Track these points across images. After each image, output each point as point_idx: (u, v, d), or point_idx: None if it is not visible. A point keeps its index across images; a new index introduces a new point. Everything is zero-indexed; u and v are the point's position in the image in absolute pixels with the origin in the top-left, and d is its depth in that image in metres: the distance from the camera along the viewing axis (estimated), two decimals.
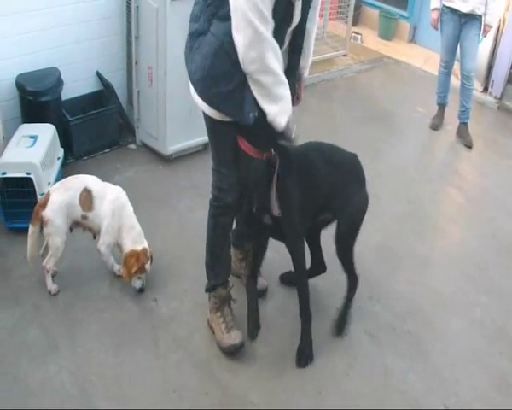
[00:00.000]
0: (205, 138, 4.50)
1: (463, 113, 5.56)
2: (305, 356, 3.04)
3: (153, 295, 3.33)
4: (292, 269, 3.11)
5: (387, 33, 8.09)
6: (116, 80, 4.70)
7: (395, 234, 4.10)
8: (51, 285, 3.27)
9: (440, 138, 5.66)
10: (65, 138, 4.23)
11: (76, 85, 4.48)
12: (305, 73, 3.03)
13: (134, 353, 3.01)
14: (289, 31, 2.63)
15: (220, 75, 2.56)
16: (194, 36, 2.63)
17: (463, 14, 5.22)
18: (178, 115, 4.36)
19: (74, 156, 4.43)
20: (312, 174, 2.97)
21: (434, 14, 5.46)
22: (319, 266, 3.43)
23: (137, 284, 3.31)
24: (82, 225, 3.36)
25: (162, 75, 4.25)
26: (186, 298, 3.36)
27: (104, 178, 4.19)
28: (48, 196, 3.21)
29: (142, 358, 2.98)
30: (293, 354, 3.06)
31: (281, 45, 2.56)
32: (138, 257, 3.23)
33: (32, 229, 3.19)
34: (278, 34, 2.51)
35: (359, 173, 3.18)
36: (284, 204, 2.80)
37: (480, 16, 5.20)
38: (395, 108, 6.08)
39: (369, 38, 7.91)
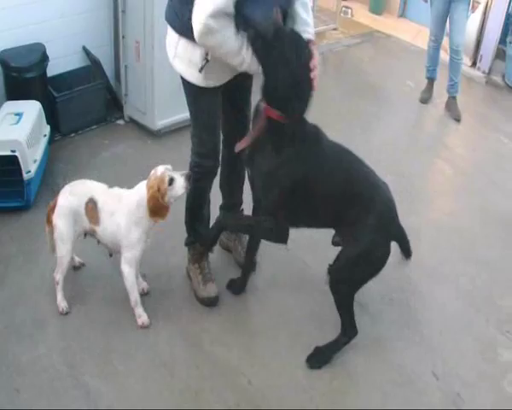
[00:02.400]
0: None
1: (452, 87, 5.55)
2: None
3: (141, 270, 3.32)
4: None
5: (378, 7, 8.01)
6: (103, 55, 4.63)
7: None
8: (60, 301, 3.03)
9: (429, 112, 5.66)
10: (51, 115, 4.18)
11: (62, 61, 4.42)
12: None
13: (123, 329, 3.00)
14: None
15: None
16: None
17: None
18: (167, 90, 4.30)
19: (61, 134, 4.39)
20: (326, 178, 2.69)
21: None
22: None
23: (178, 189, 2.78)
24: (95, 238, 3.04)
25: (150, 49, 4.20)
26: (175, 273, 3.35)
27: (92, 155, 4.23)
28: (56, 200, 2.97)
29: (131, 334, 2.98)
30: (286, 327, 3.09)
31: None
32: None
33: (47, 229, 3.03)
34: None
35: (384, 208, 2.75)
36: (272, 177, 2.67)
37: None
38: (385, 81, 6.06)
39: (359, 12, 7.84)
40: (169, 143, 4.46)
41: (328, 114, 4.95)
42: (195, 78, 2.73)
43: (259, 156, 2.71)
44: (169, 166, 2.83)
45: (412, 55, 6.70)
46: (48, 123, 4.08)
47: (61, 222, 2.92)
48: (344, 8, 7.63)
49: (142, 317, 3.01)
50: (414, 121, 5.59)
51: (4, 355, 2.83)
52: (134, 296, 2.98)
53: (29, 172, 3.62)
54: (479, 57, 6.48)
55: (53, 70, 4.30)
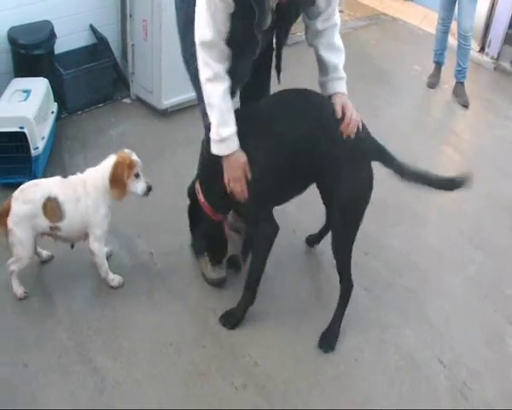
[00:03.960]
0: None
1: (460, 72, 5.52)
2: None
3: (148, 248, 3.33)
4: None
5: None
6: (110, 34, 4.63)
7: (392, 191, 4.06)
8: (17, 288, 2.98)
9: (437, 97, 5.63)
10: (58, 93, 4.17)
11: (69, 39, 4.40)
12: (338, 87, 2.72)
13: (130, 307, 3.01)
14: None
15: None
16: None
17: None
18: (174, 69, 4.26)
19: (68, 111, 4.39)
20: (279, 138, 2.60)
21: None
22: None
23: (139, 187, 2.92)
24: (53, 236, 2.99)
25: (157, 28, 4.18)
26: (182, 251, 3.36)
27: (99, 133, 4.22)
28: (9, 203, 2.86)
29: (138, 312, 2.99)
30: (292, 310, 3.10)
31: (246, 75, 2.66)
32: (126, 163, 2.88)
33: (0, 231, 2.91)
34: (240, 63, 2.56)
35: (360, 141, 2.65)
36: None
37: None
38: (391, 65, 6.02)
39: None
40: (175, 123, 4.45)
41: None
42: None
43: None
44: (138, 161, 2.93)
45: (419, 39, 6.66)
46: (55, 100, 4.07)
47: (17, 228, 2.84)
48: None
49: (115, 279, 3.08)
50: (421, 106, 5.56)
51: (12, 330, 2.84)
52: (104, 267, 3.03)
53: (37, 148, 3.61)
54: (487, 42, 6.44)
55: (60, 48, 4.28)
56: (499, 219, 4.00)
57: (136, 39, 4.46)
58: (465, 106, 5.43)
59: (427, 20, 6.95)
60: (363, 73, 5.73)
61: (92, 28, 4.56)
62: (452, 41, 5.71)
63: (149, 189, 2.94)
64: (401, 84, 5.73)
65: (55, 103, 4.07)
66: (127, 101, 4.67)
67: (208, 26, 2.39)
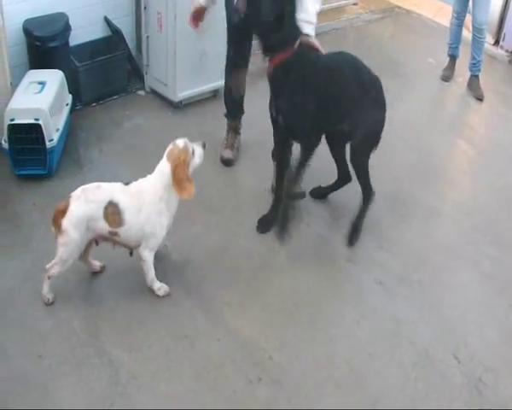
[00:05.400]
0: (214, 85, 4.50)
1: (474, 65, 5.47)
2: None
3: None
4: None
5: None
6: (124, 26, 4.63)
7: (406, 184, 4.08)
8: (46, 292, 2.92)
9: (451, 90, 5.58)
10: (73, 85, 4.18)
11: (84, 31, 4.41)
12: (306, 28, 3.13)
13: (145, 299, 3.02)
14: None
15: None
16: None
17: None
18: (188, 62, 4.31)
19: (83, 103, 4.40)
20: (334, 86, 3.17)
21: None
22: (345, 177, 3.67)
23: (197, 158, 2.93)
24: (112, 241, 2.96)
25: (172, 20, 4.18)
26: (197, 243, 3.37)
27: (113, 125, 4.23)
28: (67, 203, 2.78)
29: (153, 305, 3.00)
30: (306, 303, 3.11)
31: None
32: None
33: (53, 230, 2.83)
34: None
35: (379, 95, 3.37)
36: (298, 109, 3.14)
37: None
38: (406, 58, 5.97)
39: None
40: (189, 115, 4.45)
41: None
42: None
43: (282, 101, 3.18)
44: (186, 139, 2.89)
45: (434, 32, 6.60)
46: (69, 92, 4.07)
47: (73, 230, 2.76)
48: None
49: (161, 288, 3.03)
50: (435, 99, 5.53)
51: (27, 321, 2.86)
52: (151, 275, 2.99)
53: (52, 140, 3.63)
54: (502, 36, 6.37)
55: (75, 39, 4.29)
56: None
57: (151, 31, 4.46)
58: (480, 99, 5.38)
59: (441, 13, 6.88)
60: (378, 66, 5.56)
61: (107, 20, 4.56)
62: (467, 34, 5.66)
63: (204, 146, 2.99)
64: (415, 77, 5.69)
65: (70, 95, 4.08)
66: (141, 93, 4.67)
67: None
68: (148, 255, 2.93)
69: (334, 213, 3.69)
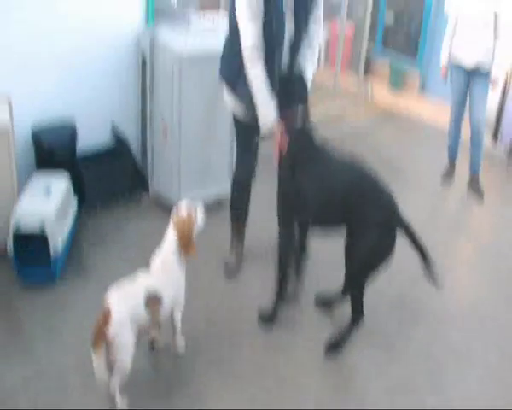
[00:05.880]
0: (218, 194, 4.58)
1: (474, 165, 5.58)
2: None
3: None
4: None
5: (397, 83, 8.17)
6: (130, 133, 4.74)
7: (410, 287, 4.07)
8: (121, 401, 2.82)
9: (452, 191, 5.66)
10: (79, 189, 4.23)
11: (90, 136, 4.51)
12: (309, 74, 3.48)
13: None
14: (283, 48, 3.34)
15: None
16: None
17: (470, 69, 5.30)
18: (192, 170, 4.40)
19: (88, 207, 4.42)
20: (329, 182, 3.16)
21: (443, 70, 5.56)
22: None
23: (199, 222, 3.12)
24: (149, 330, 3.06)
25: (177, 130, 4.27)
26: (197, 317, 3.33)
27: (118, 230, 4.28)
28: (107, 309, 2.68)
29: None
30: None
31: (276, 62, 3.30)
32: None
33: (96, 355, 2.65)
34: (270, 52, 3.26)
35: (387, 212, 3.14)
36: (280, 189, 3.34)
37: (488, 70, 5.26)
38: (407, 163, 6.10)
39: (379, 89, 7.98)
40: None
41: None
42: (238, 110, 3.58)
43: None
44: (188, 203, 3.12)
45: (433, 134, 6.78)
46: (75, 196, 4.14)
47: (122, 333, 2.69)
48: (364, 88, 7.75)
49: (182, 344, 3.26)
50: (437, 201, 5.58)
51: None
52: (179, 329, 3.17)
53: (57, 246, 3.64)
54: (500, 135, 6.54)
55: (82, 145, 4.38)
56: None
57: (156, 140, 4.56)
58: (480, 199, 5.45)
59: (440, 114, 7.08)
60: (378, 170, 5.65)
61: (113, 126, 4.68)
62: (466, 134, 5.79)
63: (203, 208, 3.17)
64: (416, 180, 5.78)
65: (75, 199, 4.14)
66: (146, 199, 4.72)
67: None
68: (179, 316, 3.11)
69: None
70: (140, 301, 2.80)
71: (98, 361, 2.65)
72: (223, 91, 3.63)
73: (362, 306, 3.27)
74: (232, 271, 3.99)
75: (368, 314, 3.34)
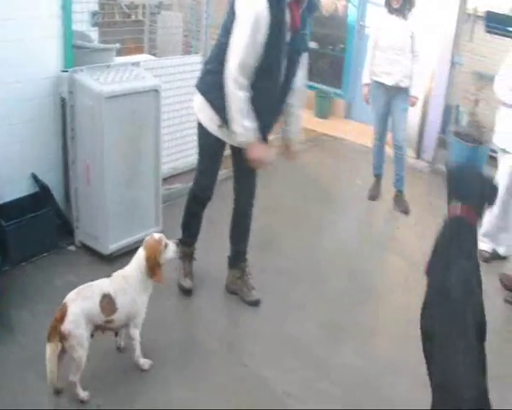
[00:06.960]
0: (146, 233, 4.47)
1: (398, 181, 5.74)
2: None
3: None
4: None
5: (324, 112, 8.36)
6: (52, 180, 4.60)
7: (340, 308, 4.12)
8: (83, 394, 3.11)
9: (379, 208, 5.80)
10: (1, 245, 4.08)
11: (10, 188, 4.36)
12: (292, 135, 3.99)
13: None
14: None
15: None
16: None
17: (390, 87, 5.47)
18: (118, 213, 4.32)
19: (12, 263, 4.24)
20: None
21: (365, 89, 5.71)
22: None
23: (171, 252, 3.32)
24: (104, 329, 3.26)
25: (100, 172, 4.20)
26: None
27: (44, 284, 4.13)
28: (65, 308, 3.02)
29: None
30: None
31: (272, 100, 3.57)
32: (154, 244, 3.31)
33: (50, 348, 2.98)
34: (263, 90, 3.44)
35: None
36: None
37: (407, 88, 5.44)
38: (334, 183, 6.24)
39: (306, 117, 8.04)
40: (123, 266, 4.34)
41: (282, 222, 5.05)
42: (213, 130, 3.67)
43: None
44: (162, 235, 3.35)
45: (359, 155, 6.94)
46: None
47: (77, 328, 2.98)
48: None
49: (145, 363, 3.38)
50: (365, 219, 5.73)
51: None
52: (138, 352, 3.34)
53: None
54: (422, 148, 6.77)
55: (1, 197, 4.26)
56: None
57: (80, 184, 4.42)
58: (406, 213, 5.61)
59: (365, 135, 7.22)
60: (308, 193, 5.89)
61: (34, 176, 4.53)
62: (390, 151, 5.95)
63: (178, 244, 3.41)
64: (345, 200, 5.92)
65: None
66: (72, 248, 4.55)
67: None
68: (136, 333, 3.28)
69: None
70: (96, 300, 3.08)
71: (51, 354, 2.96)
72: (193, 103, 3.76)
73: None
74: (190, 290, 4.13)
75: None
